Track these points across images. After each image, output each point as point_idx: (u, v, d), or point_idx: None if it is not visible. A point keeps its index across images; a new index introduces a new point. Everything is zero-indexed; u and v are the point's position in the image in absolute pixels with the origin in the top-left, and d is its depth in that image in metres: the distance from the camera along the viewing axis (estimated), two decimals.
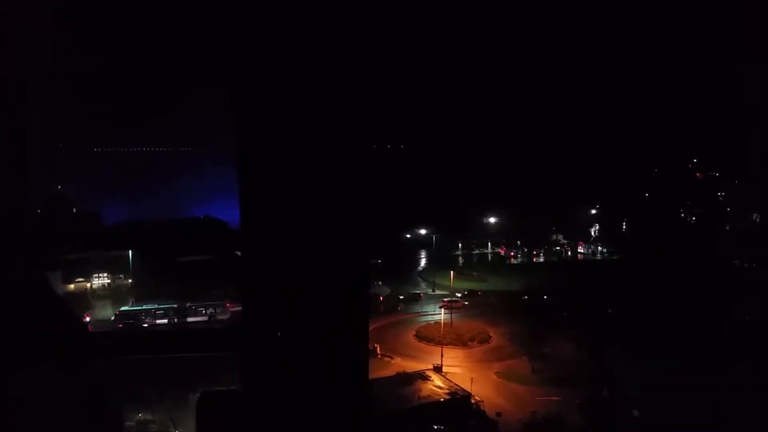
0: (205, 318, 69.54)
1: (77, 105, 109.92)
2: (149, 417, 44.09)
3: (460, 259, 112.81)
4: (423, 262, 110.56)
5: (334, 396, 4.40)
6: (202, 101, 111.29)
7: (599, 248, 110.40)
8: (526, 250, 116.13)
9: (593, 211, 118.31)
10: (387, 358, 59.11)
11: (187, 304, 69.71)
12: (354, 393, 4.46)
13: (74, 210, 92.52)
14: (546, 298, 70.55)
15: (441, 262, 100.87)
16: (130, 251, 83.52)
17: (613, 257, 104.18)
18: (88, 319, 65.39)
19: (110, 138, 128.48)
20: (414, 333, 68.37)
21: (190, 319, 68.71)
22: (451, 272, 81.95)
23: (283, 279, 4.72)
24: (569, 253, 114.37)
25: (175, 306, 70.16)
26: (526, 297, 71.45)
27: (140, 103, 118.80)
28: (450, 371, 57.37)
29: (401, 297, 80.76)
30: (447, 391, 48.48)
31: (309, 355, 4.58)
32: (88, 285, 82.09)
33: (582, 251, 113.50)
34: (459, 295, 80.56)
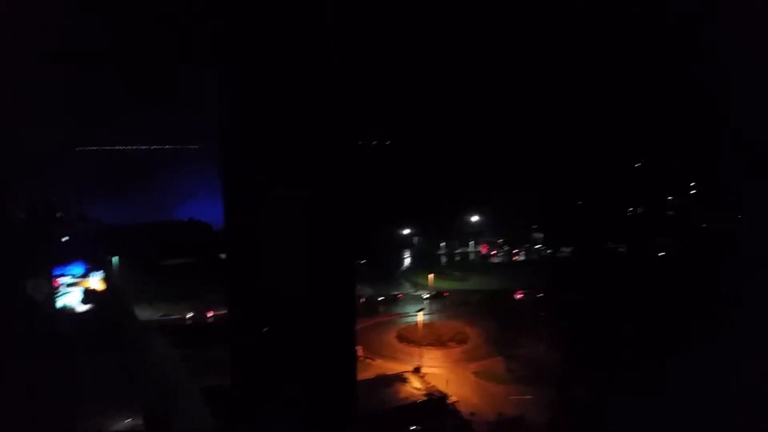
0: None
1: (60, 102, 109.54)
2: (138, 421, 44.68)
3: (443, 259, 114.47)
4: (407, 261, 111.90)
5: (322, 392, 5.05)
6: (188, 99, 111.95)
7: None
8: (507, 248, 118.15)
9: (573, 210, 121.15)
10: (368, 360, 60.59)
11: None
12: (341, 390, 5.14)
13: (58, 215, 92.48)
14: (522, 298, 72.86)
15: (424, 262, 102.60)
16: (115, 257, 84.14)
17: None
18: None
19: (93, 136, 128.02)
20: (395, 334, 70.07)
21: None
22: (430, 275, 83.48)
23: (270, 278, 5.36)
24: (549, 251, 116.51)
25: None
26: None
27: (126, 99, 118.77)
28: (429, 371, 59.12)
29: (380, 298, 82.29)
30: (424, 392, 50.14)
31: (296, 353, 5.22)
32: None
33: (562, 250, 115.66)
34: (426, 296, 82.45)
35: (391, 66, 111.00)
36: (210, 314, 71.28)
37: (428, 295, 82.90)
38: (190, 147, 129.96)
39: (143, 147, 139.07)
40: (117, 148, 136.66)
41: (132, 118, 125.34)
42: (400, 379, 53.25)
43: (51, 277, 73.13)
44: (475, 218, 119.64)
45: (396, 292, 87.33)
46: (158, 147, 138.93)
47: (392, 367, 59.83)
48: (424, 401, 49.28)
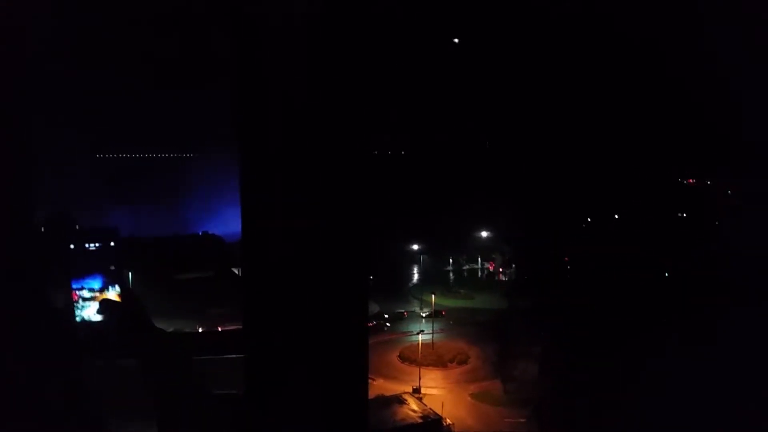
0: None
1: (76, 108, 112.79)
2: (152, 429, 46.11)
3: (451, 275, 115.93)
4: (415, 277, 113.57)
5: (333, 402, 4.95)
6: (203, 108, 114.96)
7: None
8: (514, 266, 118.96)
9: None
10: (369, 380, 62.40)
11: None
12: (352, 400, 5.03)
13: (77, 227, 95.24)
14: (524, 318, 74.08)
15: (432, 278, 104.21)
16: (130, 272, 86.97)
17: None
18: None
19: (110, 144, 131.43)
20: (398, 354, 71.90)
21: None
22: (432, 295, 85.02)
23: (285, 288, 5.28)
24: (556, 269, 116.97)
25: None
26: None
27: (141, 106, 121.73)
28: (428, 393, 61.09)
29: (386, 316, 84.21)
30: (420, 414, 51.91)
31: (309, 363, 5.22)
32: None
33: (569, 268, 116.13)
34: (423, 314, 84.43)
35: (406, 76, 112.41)
36: (220, 329, 73.55)
37: (425, 314, 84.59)
38: (204, 154, 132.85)
39: (158, 155, 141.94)
40: (134, 155, 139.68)
41: (148, 126, 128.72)
42: (398, 400, 54.90)
43: (70, 290, 76.11)
44: (484, 234, 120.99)
45: (402, 310, 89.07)
46: (176, 155, 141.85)
47: (393, 388, 61.54)
48: (419, 424, 51.03)
